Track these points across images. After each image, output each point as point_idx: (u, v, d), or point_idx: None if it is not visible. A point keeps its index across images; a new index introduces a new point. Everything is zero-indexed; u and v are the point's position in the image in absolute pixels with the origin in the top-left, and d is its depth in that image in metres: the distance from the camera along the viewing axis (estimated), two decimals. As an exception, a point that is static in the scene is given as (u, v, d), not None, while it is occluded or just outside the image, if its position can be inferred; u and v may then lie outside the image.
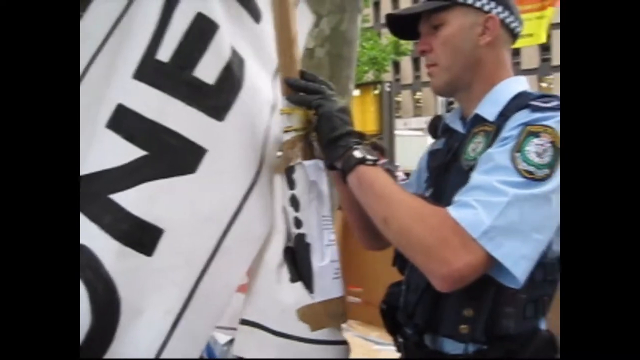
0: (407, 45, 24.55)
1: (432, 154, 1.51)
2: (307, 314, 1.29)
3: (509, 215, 1.11)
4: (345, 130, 1.30)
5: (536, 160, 1.14)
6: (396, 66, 36.92)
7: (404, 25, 1.47)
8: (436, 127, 1.53)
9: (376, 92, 9.22)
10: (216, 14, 1.33)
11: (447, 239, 1.11)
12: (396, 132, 10.47)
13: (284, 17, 1.35)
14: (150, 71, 1.29)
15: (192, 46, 1.30)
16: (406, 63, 40.84)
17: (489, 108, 1.33)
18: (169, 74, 1.29)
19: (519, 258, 1.12)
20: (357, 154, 1.26)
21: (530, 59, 38.32)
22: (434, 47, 1.37)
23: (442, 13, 1.35)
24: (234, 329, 1.47)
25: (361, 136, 1.33)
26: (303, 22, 1.53)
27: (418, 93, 44.39)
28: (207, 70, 1.31)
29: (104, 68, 1.33)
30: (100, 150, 1.26)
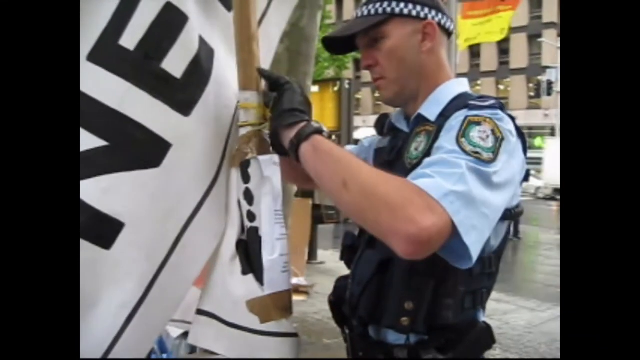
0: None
1: (377, 152, 1.54)
2: (257, 306, 1.30)
3: (465, 184, 1.11)
4: (303, 108, 1.30)
5: (481, 143, 1.17)
6: (357, 64, 36.96)
7: (339, 41, 1.48)
8: (383, 125, 1.56)
9: (336, 89, 9.24)
10: (186, 4, 1.30)
11: (412, 199, 1.08)
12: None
13: (244, 12, 1.34)
14: (111, 57, 1.24)
15: (160, 37, 1.27)
16: (367, 61, 40.64)
17: (430, 108, 1.37)
18: (134, 63, 1.25)
19: (470, 227, 1.10)
20: (314, 124, 1.27)
21: (489, 62, 38.85)
22: (379, 61, 1.40)
23: (381, 27, 1.38)
24: (186, 322, 1.47)
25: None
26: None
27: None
28: (175, 63, 1.28)
29: None
30: None
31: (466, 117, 1.22)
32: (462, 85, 1.41)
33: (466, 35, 9.32)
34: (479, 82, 39.59)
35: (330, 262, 8.21)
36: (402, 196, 1.09)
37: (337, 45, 1.51)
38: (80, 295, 1.17)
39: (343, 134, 8.87)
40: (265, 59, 1.45)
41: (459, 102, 1.31)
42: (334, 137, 8.67)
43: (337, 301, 1.49)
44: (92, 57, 1.24)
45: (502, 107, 1.28)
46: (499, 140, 1.19)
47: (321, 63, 18.70)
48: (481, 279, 1.33)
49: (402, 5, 1.37)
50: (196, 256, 1.35)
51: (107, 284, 1.23)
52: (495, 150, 1.18)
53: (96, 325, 1.21)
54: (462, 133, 1.19)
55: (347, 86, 9.16)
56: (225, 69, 1.39)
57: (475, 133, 1.19)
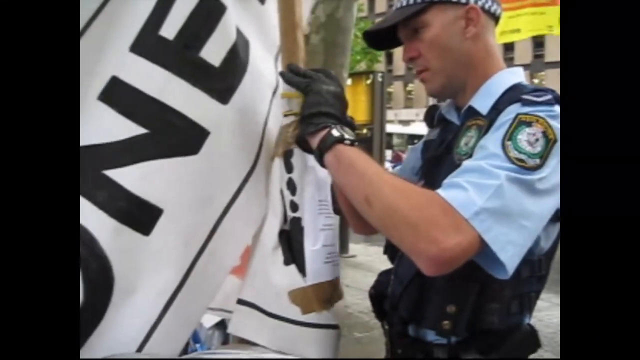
0: (401, 36, 24.45)
1: (426, 144, 1.50)
2: (299, 297, 1.30)
3: (500, 198, 1.07)
4: (327, 109, 1.24)
5: (527, 148, 1.12)
6: (389, 57, 36.87)
7: (381, 35, 1.43)
8: (432, 117, 1.50)
9: (368, 82, 9.21)
10: None
11: (435, 218, 1.06)
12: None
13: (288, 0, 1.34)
14: (151, 47, 1.25)
15: (199, 26, 1.27)
16: (399, 54, 40.61)
17: (482, 101, 1.30)
18: (174, 53, 1.26)
19: (506, 243, 1.07)
20: (335, 132, 1.20)
21: (524, 55, 38.40)
22: (422, 52, 1.33)
23: (420, 16, 1.31)
24: (226, 310, 1.47)
25: (349, 124, 1.27)
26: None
27: (410, 84, 44.41)
28: (214, 51, 1.28)
29: (98, 38, 1.26)
30: (91, 123, 1.21)
31: (517, 115, 1.16)
32: (516, 75, 1.33)
33: (501, 28, 9.17)
34: (512, 76, 38.97)
35: (361, 256, 8.19)
36: (426, 215, 1.07)
37: (380, 40, 1.46)
38: (119, 281, 1.19)
39: (375, 127, 8.85)
40: None
41: (513, 95, 1.24)
42: (365, 130, 8.64)
43: (378, 296, 1.45)
44: (134, 48, 1.25)
45: (559, 101, 1.20)
46: (550, 142, 1.13)
47: (353, 56, 18.70)
48: (529, 282, 1.27)
49: None
50: (234, 243, 1.36)
51: (145, 271, 1.23)
52: (544, 155, 1.12)
53: (134, 311, 1.22)
54: (510, 135, 1.13)
55: (379, 79, 9.12)
56: (259, 60, 1.39)
57: (523, 136, 1.13)
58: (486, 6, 1.33)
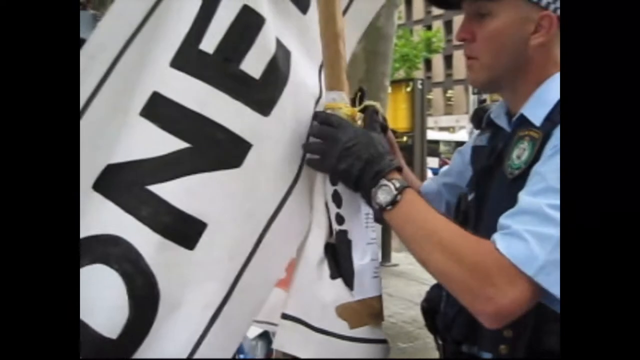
0: (439, 43, 24.41)
1: (475, 150, 1.44)
2: (346, 312, 1.28)
3: None
4: (354, 178, 1.23)
5: None
6: (427, 64, 36.74)
7: None
8: (480, 119, 1.45)
9: (408, 89, 9.19)
10: (262, 6, 1.30)
11: (490, 277, 1.06)
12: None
13: (330, 9, 1.33)
14: (192, 61, 1.26)
15: (238, 39, 1.27)
16: (438, 61, 40.66)
17: (535, 110, 1.21)
18: (214, 66, 1.26)
19: None
20: (378, 201, 1.19)
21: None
22: (477, 39, 1.25)
23: (491, 2, 1.22)
24: (272, 323, 1.47)
25: (371, 162, 1.22)
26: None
27: (449, 91, 44.20)
28: (254, 64, 1.28)
29: (139, 54, 1.27)
30: (133, 139, 1.23)
31: None
32: None
33: None
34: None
35: (403, 265, 8.12)
36: (480, 276, 1.07)
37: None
38: (165, 296, 1.19)
39: (416, 134, 8.81)
40: None
41: None
42: (405, 138, 8.61)
43: (430, 311, 1.43)
44: (175, 63, 1.25)
45: None
46: None
47: (392, 64, 18.78)
48: None
49: None
50: (278, 256, 1.35)
51: (190, 285, 1.23)
52: None
53: (180, 326, 1.22)
54: None
55: (419, 86, 9.09)
56: (301, 71, 1.39)
57: None
58: None
